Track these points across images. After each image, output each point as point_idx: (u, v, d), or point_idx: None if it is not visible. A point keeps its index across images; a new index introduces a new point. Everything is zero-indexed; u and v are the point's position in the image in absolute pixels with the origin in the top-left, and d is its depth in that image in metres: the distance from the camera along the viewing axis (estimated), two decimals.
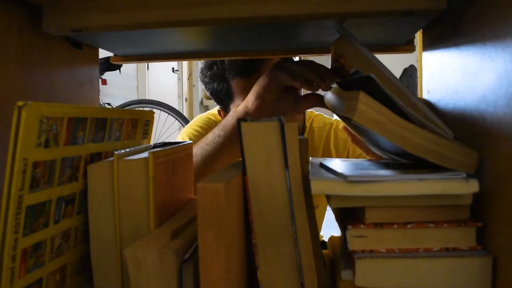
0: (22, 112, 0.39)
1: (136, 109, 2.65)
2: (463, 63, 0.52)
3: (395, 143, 0.44)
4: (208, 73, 1.01)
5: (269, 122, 0.48)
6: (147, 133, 0.66)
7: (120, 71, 2.46)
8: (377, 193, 0.44)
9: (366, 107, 0.44)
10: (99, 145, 0.52)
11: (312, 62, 0.73)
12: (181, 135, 1.19)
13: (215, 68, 0.99)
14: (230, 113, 0.81)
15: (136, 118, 0.61)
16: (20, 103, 0.39)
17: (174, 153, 0.55)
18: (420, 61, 3.20)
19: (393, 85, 0.54)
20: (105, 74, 2.48)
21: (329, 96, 0.61)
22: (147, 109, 3.04)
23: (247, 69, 0.94)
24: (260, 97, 0.76)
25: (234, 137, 0.79)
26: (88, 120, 0.49)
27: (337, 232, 0.66)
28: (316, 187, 0.45)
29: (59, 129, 0.44)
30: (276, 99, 0.75)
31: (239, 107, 0.79)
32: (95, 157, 0.52)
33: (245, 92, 0.88)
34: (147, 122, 0.65)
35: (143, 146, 0.61)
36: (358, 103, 0.44)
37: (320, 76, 0.68)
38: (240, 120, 0.48)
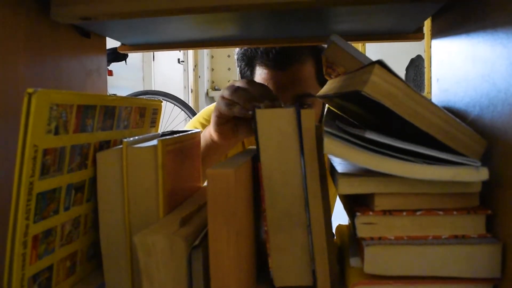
0: (32, 99, 0.39)
1: None
2: (473, 50, 0.52)
3: (406, 117, 0.43)
4: (241, 51, 0.99)
5: (285, 109, 0.48)
6: (155, 122, 0.67)
7: (126, 62, 2.46)
8: (388, 171, 0.43)
9: (379, 79, 0.42)
10: (108, 133, 0.53)
11: (251, 83, 0.74)
12: (187, 127, 1.20)
13: (249, 51, 0.96)
14: (202, 134, 0.83)
15: (144, 106, 0.61)
16: (30, 90, 0.39)
17: (182, 141, 0.55)
18: (427, 50, 3.18)
19: None
20: (111, 65, 2.47)
21: (337, 80, 0.60)
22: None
23: (277, 62, 0.92)
24: (217, 130, 0.79)
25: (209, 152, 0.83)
26: (97, 107, 0.49)
27: (342, 222, 0.66)
28: (329, 147, 0.43)
29: (69, 116, 0.44)
30: (233, 129, 0.78)
31: (206, 132, 0.82)
32: (104, 145, 0.52)
33: (266, 82, 0.90)
34: (155, 111, 0.65)
35: (152, 134, 0.61)
36: (371, 75, 0.42)
37: (253, 99, 0.70)
38: (254, 106, 0.48)
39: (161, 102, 0.67)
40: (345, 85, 0.52)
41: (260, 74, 0.94)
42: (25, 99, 0.39)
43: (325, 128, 0.45)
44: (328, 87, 0.62)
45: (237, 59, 1.02)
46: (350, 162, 0.44)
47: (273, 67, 0.92)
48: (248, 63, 0.97)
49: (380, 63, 0.42)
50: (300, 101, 0.92)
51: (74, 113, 0.45)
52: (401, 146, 0.43)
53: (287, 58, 0.90)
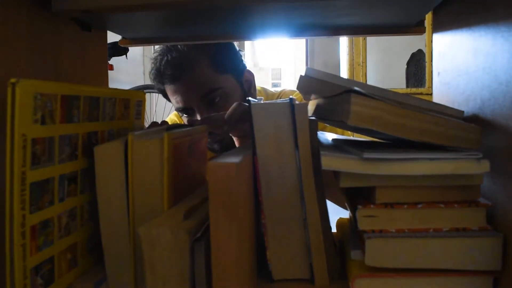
0: (16, 88, 0.40)
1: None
2: (474, 43, 0.52)
3: (397, 135, 0.44)
4: (152, 76, 1.07)
5: (280, 103, 0.48)
6: (140, 113, 0.67)
7: (126, 56, 2.44)
8: (388, 173, 0.44)
9: (360, 107, 0.43)
10: (95, 124, 0.53)
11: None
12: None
13: (154, 70, 1.05)
14: None
15: (128, 98, 0.61)
16: (13, 80, 0.40)
17: (189, 135, 0.56)
18: (429, 44, 3.17)
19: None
20: (111, 59, 2.46)
21: (319, 104, 0.61)
22: (154, 94, 3.05)
23: (171, 77, 1.02)
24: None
25: None
26: (81, 98, 0.49)
27: (343, 216, 0.66)
28: (327, 162, 0.45)
29: (54, 106, 0.45)
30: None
31: None
32: (92, 136, 0.52)
33: (174, 96, 1.03)
34: (139, 102, 0.66)
35: (158, 128, 0.61)
36: (351, 106, 0.43)
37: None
38: (250, 101, 0.48)
39: (145, 93, 0.68)
40: (329, 110, 0.52)
41: (167, 90, 1.05)
42: (9, 89, 0.39)
43: (321, 152, 0.46)
44: (311, 108, 0.63)
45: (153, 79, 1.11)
46: (352, 171, 0.45)
47: (171, 82, 1.02)
48: (158, 83, 1.07)
49: (355, 91, 0.43)
50: (209, 98, 1.01)
51: (58, 102, 0.45)
52: (402, 157, 0.44)
53: (177, 70, 1.00)
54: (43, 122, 0.43)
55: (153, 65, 1.05)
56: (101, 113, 0.54)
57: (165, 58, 1.01)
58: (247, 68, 1.13)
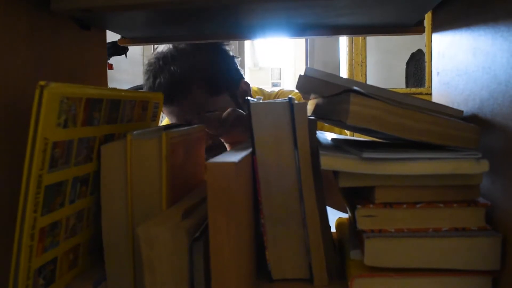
0: (44, 92, 0.39)
1: None
2: (474, 43, 0.52)
3: (396, 134, 0.44)
4: (145, 88, 1.06)
5: (279, 102, 0.48)
6: (156, 115, 0.67)
7: (126, 56, 2.44)
8: (388, 172, 0.44)
9: (359, 107, 0.43)
10: (112, 127, 0.53)
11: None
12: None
13: (147, 88, 1.04)
14: None
15: (147, 100, 0.61)
16: (42, 83, 0.39)
17: (187, 134, 0.55)
18: (428, 44, 3.17)
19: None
20: (111, 59, 2.46)
21: (318, 103, 0.61)
22: None
23: (166, 99, 1.00)
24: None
25: None
26: (104, 101, 0.49)
27: (337, 216, 0.66)
28: (326, 162, 0.45)
29: (78, 109, 0.44)
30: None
31: None
32: (109, 138, 0.52)
33: (168, 116, 1.03)
34: (156, 104, 0.65)
35: (156, 127, 0.61)
36: (350, 105, 0.43)
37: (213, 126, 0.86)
38: (249, 100, 0.48)
39: (163, 95, 0.67)
40: (328, 110, 0.52)
41: (163, 110, 1.03)
42: (37, 92, 0.39)
43: (321, 151, 0.46)
44: (310, 107, 0.63)
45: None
46: (351, 171, 0.45)
47: (165, 103, 1.00)
48: None
49: (355, 90, 0.43)
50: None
51: (82, 106, 0.45)
52: (402, 157, 0.44)
53: (173, 93, 0.99)
54: (65, 126, 0.43)
55: (145, 81, 1.04)
56: (120, 116, 0.54)
57: (157, 80, 1.00)
58: (243, 77, 1.11)
